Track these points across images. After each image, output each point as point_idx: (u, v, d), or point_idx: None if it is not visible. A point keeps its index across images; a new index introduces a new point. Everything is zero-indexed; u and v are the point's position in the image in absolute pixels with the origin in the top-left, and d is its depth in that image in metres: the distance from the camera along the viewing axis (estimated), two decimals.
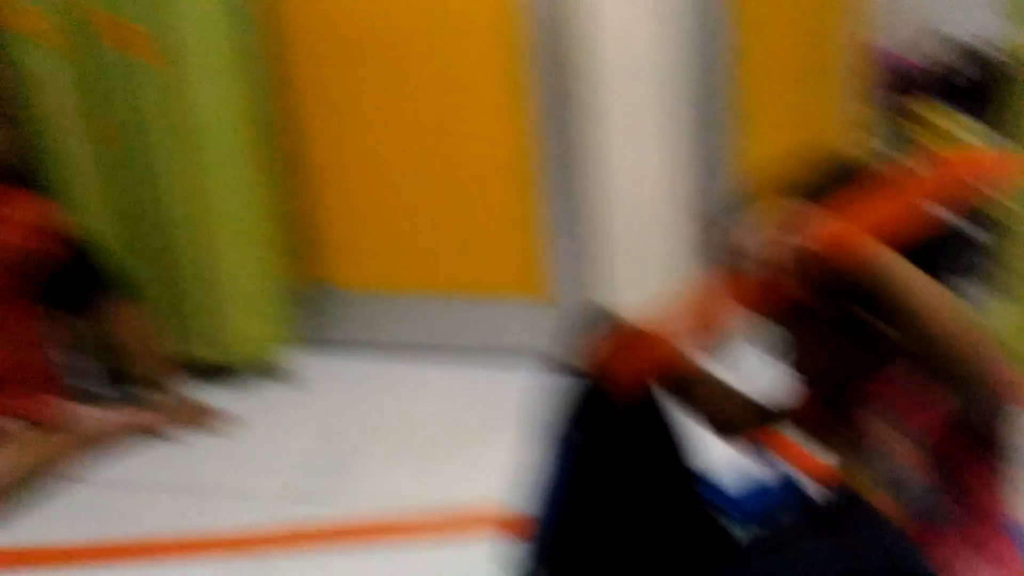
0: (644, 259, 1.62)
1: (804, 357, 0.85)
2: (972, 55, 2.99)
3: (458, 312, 1.80)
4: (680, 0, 1.47)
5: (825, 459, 0.97)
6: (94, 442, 1.46)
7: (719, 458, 1.08)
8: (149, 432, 1.52)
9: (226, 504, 1.30)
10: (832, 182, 0.79)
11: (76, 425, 1.45)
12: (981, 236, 1.23)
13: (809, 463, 1.27)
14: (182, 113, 1.51)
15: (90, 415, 1.49)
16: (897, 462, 0.76)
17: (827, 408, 0.89)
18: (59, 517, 1.28)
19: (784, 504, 1.15)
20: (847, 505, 0.68)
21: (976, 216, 1.49)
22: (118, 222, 1.61)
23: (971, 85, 3.09)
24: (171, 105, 1.51)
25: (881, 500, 0.75)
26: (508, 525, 1.18)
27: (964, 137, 2.68)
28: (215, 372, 1.71)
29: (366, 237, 1.79)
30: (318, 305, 1.83)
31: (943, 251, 0.78)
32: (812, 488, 1.11)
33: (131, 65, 1.49)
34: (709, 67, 1.56)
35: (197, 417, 1.56)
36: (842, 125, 2.36)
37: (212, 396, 1.66)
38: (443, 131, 1.68)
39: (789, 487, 1.20)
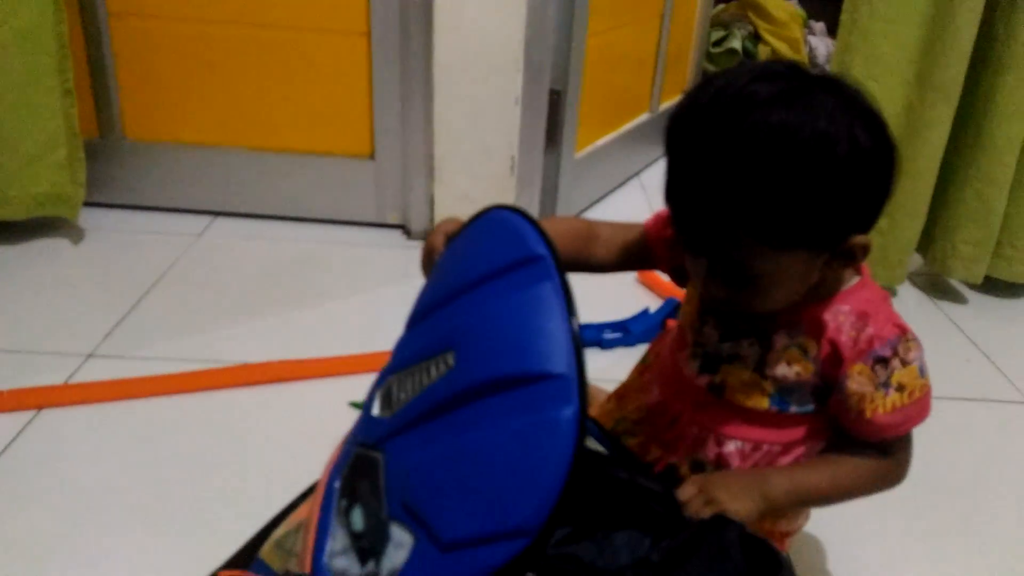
0: (480, 121, 1.55)
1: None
2: None
3: (270, 166, 1.67)
4: None
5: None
6: None
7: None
8: None
9: (17, 362, 1.17)
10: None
11: None
12: None
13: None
14: None
15: None
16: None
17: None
18: None
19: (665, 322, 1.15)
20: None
21: None
22: None
23: None
24: None
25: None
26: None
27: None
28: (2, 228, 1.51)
29: (166, 86, 1.60)
30: (113, 156, 1.64)
31: None
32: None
33: None
34: None
35: None
36: (692, 22, 2.36)
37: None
38: None
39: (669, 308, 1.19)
